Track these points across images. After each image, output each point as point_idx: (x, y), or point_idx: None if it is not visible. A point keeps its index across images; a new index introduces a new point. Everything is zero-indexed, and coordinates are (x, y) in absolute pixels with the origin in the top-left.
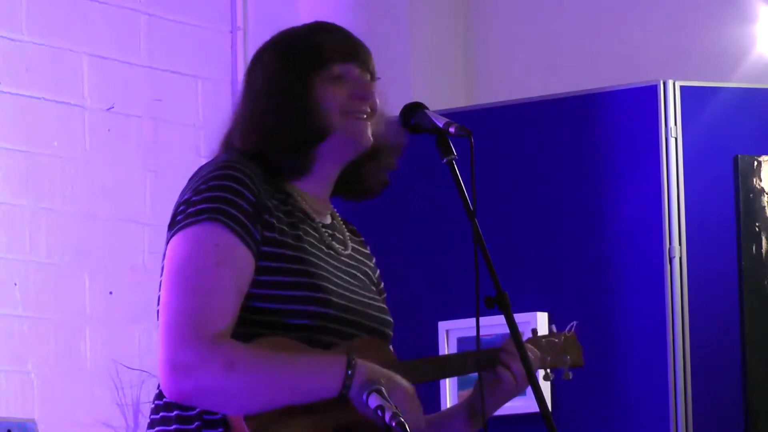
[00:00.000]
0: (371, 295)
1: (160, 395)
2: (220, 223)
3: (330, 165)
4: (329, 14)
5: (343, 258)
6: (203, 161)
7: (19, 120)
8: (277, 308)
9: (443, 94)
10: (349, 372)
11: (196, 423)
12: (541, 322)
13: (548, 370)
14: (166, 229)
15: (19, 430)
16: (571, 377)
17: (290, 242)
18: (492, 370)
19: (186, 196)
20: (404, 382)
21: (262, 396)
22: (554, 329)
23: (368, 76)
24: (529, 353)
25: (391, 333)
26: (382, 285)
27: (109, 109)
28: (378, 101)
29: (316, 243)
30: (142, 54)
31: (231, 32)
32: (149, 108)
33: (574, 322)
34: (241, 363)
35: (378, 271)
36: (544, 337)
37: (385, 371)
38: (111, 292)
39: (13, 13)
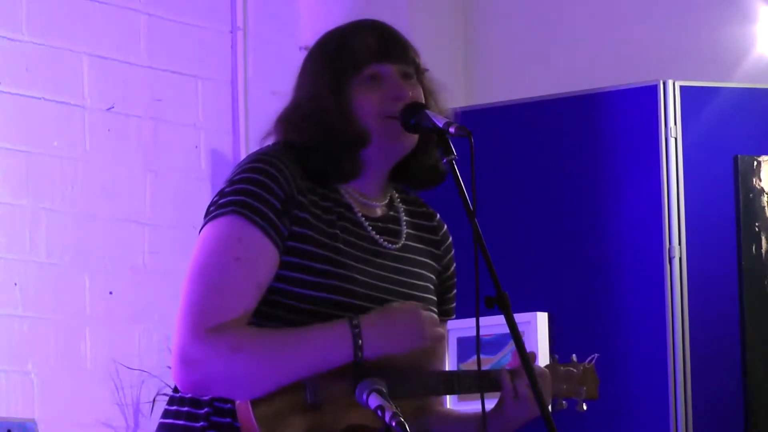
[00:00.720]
0: (413, 293)
1: (176, 388)
2: (244, 217)
3: (377, 168)
4: (329, 15)
5: (391, 253)
6: (203, 161)
7: (19, 120)
8: (298, 306)
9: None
10: (356, 330)
11: (202, 423)
12: (541, 322)
13: (562, 400)
14: (166, 229)
15: (19, 430)
16: (585, 409)
17: (323, 240)
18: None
19: (222, 186)
20: (404, 308)
21: (272, 373)
22: (575, 359)
23: (411, 71)
24: (539, 379)
25: None
26: (450, 271)
27: (109, 109)
28: (422, 96)
29: (354, 240)
30: (142, 54)
31: (231, 32)
32: (149, 108)
33: (595, 355)
34: (245, 344)
35: (447, 257)
36: (563, 365)
37: (387, 315)
38: (111, 292)
39: (13, 13)
